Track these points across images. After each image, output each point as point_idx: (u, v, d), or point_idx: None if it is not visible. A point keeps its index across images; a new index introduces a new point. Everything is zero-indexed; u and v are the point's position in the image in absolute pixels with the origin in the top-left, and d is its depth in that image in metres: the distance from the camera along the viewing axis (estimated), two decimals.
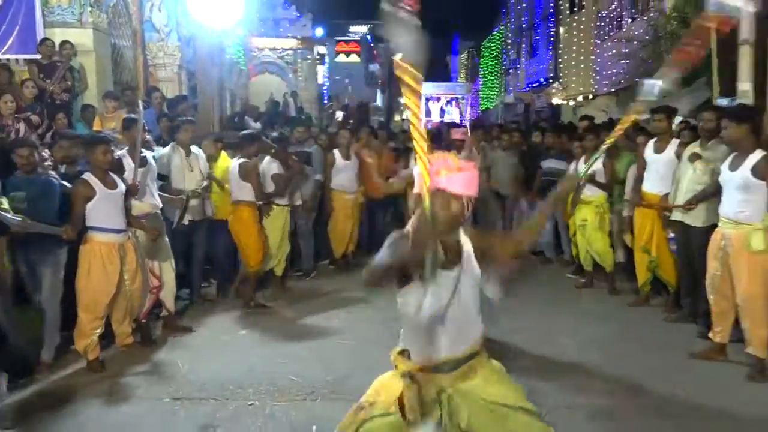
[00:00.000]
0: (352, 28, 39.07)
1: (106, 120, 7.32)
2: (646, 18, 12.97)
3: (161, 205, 5.31)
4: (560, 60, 20.68)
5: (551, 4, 21.89)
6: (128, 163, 5.00)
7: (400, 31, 2.02)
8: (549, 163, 7.73)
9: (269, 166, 6.48)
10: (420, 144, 2.08)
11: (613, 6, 16.05)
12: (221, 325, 5.58)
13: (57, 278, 4.54)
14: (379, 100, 37.05)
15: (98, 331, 4.51)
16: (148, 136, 5.89)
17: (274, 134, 7.36)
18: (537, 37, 24.46)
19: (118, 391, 4.17)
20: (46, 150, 5.26)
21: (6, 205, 4.18)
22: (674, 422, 3.74)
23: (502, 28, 31.21)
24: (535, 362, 4.60)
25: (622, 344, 5.08)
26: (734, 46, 7.40)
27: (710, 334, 4.66)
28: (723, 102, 7.33)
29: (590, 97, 17.32)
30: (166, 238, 5.28)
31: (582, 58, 18.41)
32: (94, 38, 8.63)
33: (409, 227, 2.36)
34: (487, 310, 2.47)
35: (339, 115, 18.29)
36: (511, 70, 29.06)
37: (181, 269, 5.81)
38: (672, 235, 5.51)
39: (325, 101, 24.01)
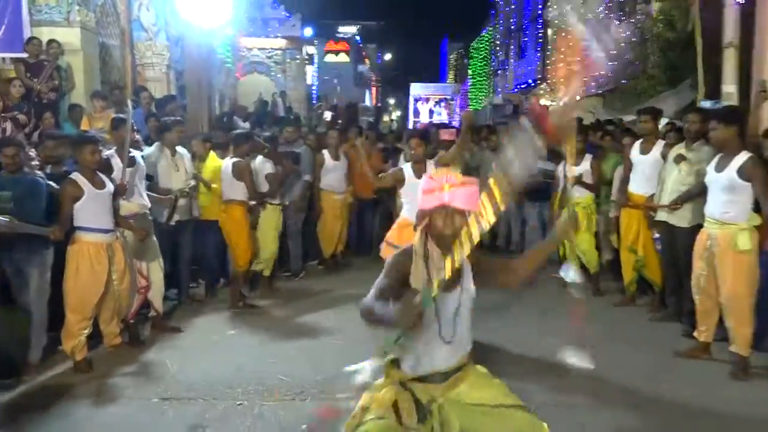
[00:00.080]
0: (341, 29, 39.10)
1: (94, 120, 7.29)
2: (632, 20, 13.09)
3: (149, 205, 5.30)
4: (548, 62, 20.80)
5: (539, 6, 22.02)
6: (116, 163, 4.98)
7: (520, 147, 2.12)
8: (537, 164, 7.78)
9: (263, 165, 6.50)
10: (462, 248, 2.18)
11: (601, 8, 16.16)
12: (210, 325, 5.58)
13: (44, 279, 4.51)
14: (367, 101, 37.09)
15: (86, 331, 4.49)
16: (138, 136, 5.87)
17: (266, 134, 7.37)
18: (525, 39, 24.61)
19: (106, 392, 4.15)
20: (33, 149, 5.23)
21: None
22: (660, 419, 3.79)
23: (490, 29, 31.36)
24: (521, 362, 4.64)
25: (609, 343, 5.12)
26: (719, 48, 7.51)
27: (695, 333, 4.72)
28: (707, 104, 7.43)
29: (578, 98, 17.41)
30: (154, 238, 5.26)
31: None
32: (81, 37, 8.57)
33: (408, 246, 2.41)
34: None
35: (327, 115, 18.28)
36: (499, 72, 29.18)
37: (168, 269, 5.79)
38: (657, 235, 5.58)
39: (314, 101, 23.98)
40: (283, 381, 4.25)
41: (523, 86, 23.92)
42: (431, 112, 37.02)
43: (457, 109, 36.61)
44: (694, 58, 8.27)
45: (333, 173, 7.52)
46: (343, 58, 37.53)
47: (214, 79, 10.60)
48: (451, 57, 47.84)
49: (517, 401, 2.43)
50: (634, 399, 4.06)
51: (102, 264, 4.50)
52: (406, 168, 5.11)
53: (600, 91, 14.84)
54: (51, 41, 7.92)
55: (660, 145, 5.64)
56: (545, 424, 2.38)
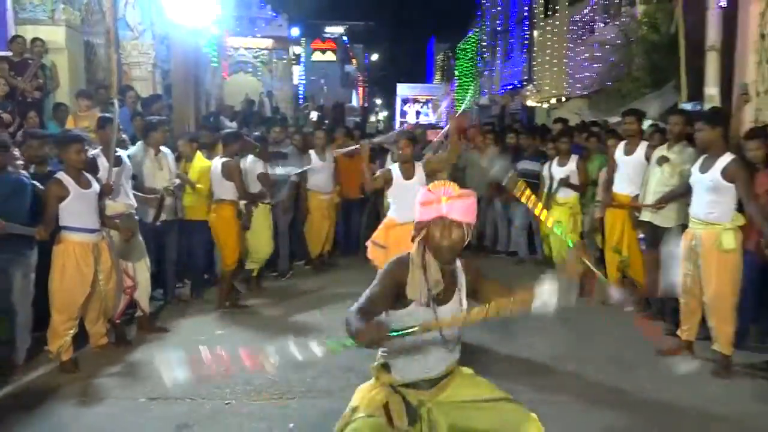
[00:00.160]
0: (328, 29, 39.05)
1: (80, 119, 7.22)
2: (617, 23, 13.21)
3: (135, 205, 5.28)
4: (534, 63, 20.93)
5: (526, 8, 22.15)
6: (102, 163, 4.96)
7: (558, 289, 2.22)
8: (523, 164, 7.85)
9: (254, 165, 6.50)
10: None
11: (586, 11, 16.31)
12: (197, 325, 5.57)
13: (27, 280, 4.48)
14: (354, 101, 37.07)
15: (72, 331, 4.47)
16: (124, 135, 5.84)
17: (256, 134, 7.37)
18: (511, 40, 24.72)
19: (92, 392, 4.13)
20: (17, 149, 5.18)
21: None
22: (645, 416, 3.84)
23: (477, 30, 31.45)
24: (506, 361, 4.68)
25: (592, 342, 5.19)
26: (702, 51, 7.60)
27: (678, 332, 4.79)
28: (687, 106, 7.53)
29: (563, 99, 17.57)
30: (140, 238, 5.24)
31: (555, 61, 18.66)
32: (66, 36, 8.50)
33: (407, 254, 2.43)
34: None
35: (314, 115, 18.26)
36: (486, 73, 29.29)
37: (154, 270, 5.77)
38: (642, 235, 5.65)
39: (301, 101, 23.95)
40: (270, 380, 4.26)
41: (509, 87, 24.04)
42: (418, 113, 37.08)
43: (444, 110, 36.72)
44: (678, 61, 8.37)
45: (320, 173, 7.53)
46: (330, 56, 37.46)
47: (200, 79, 10.56)
48: (437, 57, 47.98)
49: (505, 395, 2.47)
50: (619, 396, 4.12)
51: (88, 264, 4.48)
52: (394, 168, 5.13)
53: (585, 93, 14.98)
54: (35, 39, 7.85)
55: (644, 146, 5.71)
56: (534, 414, 2.42)
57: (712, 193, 4.37)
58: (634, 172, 5.68)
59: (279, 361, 4.58)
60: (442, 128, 9.99)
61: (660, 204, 5.16)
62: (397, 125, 30.82)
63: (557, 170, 6.65)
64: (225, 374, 4.28)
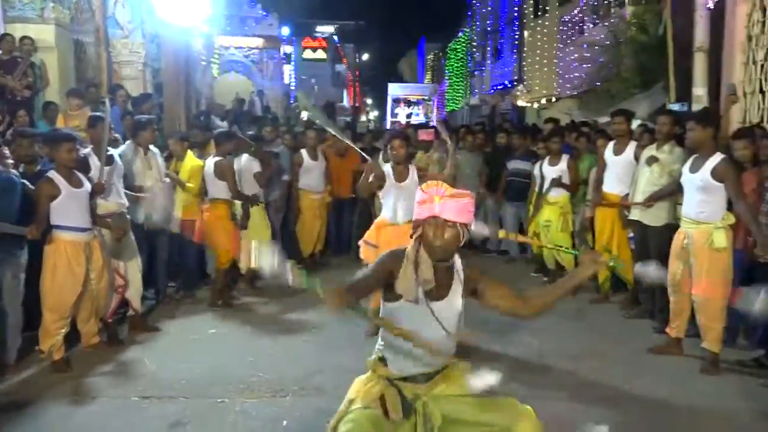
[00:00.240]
0: (319, 28, 38.95)
1: (70, 118, 7.19)
2: (606, 24, 13.30)
3: (127, 204, 5.26)
4: (524, 63, 21.01)
5: (516, 8, 22.23)
6: (94, 162, 4.94)
7: None
8: (514, 164, 7.90)
9: (250, 164, 6.51)
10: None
11: (576, 11, 16.40)
12: (189, 324, 5.56)
13: (17, 280, 4.45)
14: (345, 101, 37.04)
15: (63, 330, 4.45)
16: (116, 134, 5.82)
17: (251, 133, 7.38)
18: (502, 41, 24.80)
19: (84, 391, 4.12)
20: (6, 148, 5.15)
21: None
22: (635, 412, 3.88)
23: (467, 30, 31.52)
24: (498, 359, 4.71)
25: (584, 339, 5.24)
26: (690, 52, 7.68)
27: (667, 329, 4.85)
28: (674, 107, 7.61)
29: (553, 99, 17.67)
30: (132, 237, 5.23)
31: (545, 61, 18.76)
32: (56, 34, 8.46)
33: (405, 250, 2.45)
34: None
35: (305, 114, 18.25)
36: (476, 73, 29.37)
37: (145, 269, 5.75)
38: (632, 234, 5.71)
39: (292, 101, 23.91)
40: (263, 378, 4.27)
41: (499, 87, 24.12)
42: (408, 114, 37.09)
43: (435, 109, 36.78)
44: (667, 62, 8.45)
45: (311, 173, 7.53)
46: (321, 54, 37.35)
47: (191, 78, 10.51)
48: (428, 57, 48.01)
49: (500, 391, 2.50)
50: (609, 392, 4.17)
51: (80, 263, 4.47)
52: (387, 169, 5.12)
53: (575, 93, 15.07)
54: (24, 38, 7.80)
55: (633, 146, 5.76)
56: (529, 408, 2.45)
57: (702, 193, 4.42)
58: (624, 171, 5.73)
59: (272, 359, 4.63)
60: (433, 128, 10.03)
61: (649, 202, 5.20)
62: (388, 125, 30.83)
63: (548, 170, 6.70)
64: (218, 372, 4.35)
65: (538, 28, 19.59)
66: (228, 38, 19.84)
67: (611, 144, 5.97)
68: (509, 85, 22.71)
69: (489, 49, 26.77)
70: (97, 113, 5.34)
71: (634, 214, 5.46)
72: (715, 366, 4.48)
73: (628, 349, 4.96)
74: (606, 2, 14.15)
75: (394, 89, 38.24)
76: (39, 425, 3.69)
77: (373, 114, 46.07)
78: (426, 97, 38.10)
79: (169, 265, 6.22)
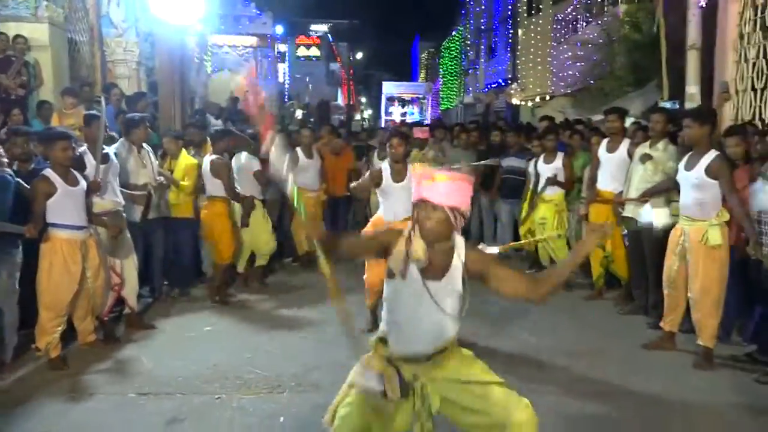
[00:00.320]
0: (313, 27, 38.94)
1: (65, 116, 7.19)
2: (600, 22, 13.36)
3: (123, 202, 5.27)
4: (518, 61, 21.06)
5: (509, 7, 22.28)
6: (89, 160, 4.94)
7: None
8: (509, 161, 7.93)
9: (250, 163, 6.52)
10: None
11: (569, 10, 16.46)
12: (185, 322, 5.57)
13: (13, 279, 4.46)
14: (339, 99, 37.04)
15: (60, 328, 4.46)
16: (113, 133, 5.82)
17: (250, 131, 7.38)
18: (496, 39, 24.85)
19: (81, 388, 4.13)
20: (0, 146, 5.14)
21: None
22: (630, 406, 3.92)
23: (461, 29, 31.56)
24: (494, 354, 4.73)
25: (579, 335, 5.28)
26: (683, 50, 7.73)
27: (661, 323, 4.89)
28: (666, 105, 7.66)
29: (547, 98, 17.73)
30: (128, 235, 5.24)
31: (539, 60, 18.81)
32: (49, 33, 8.43)
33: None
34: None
35: (299, 113, 18.27)
36: (470, 71, 29.41)
37: (141, 267, 5.76)
38: (626, 231, 5.75)
39: (286, 99, 23.91)
40: (260, 375, 4.29)
41: (493, 86, 24.16)
42: (403, 112, 37.15)
43: (430, 108, 36.85)
44: (659, 60, 8.50)
45: (306, 171, 7.54)
46: (315, 52, 37.33)
47: (186, 76, 10.49)
48: (422, 56, 48.05)
49: (499, 380, 2.54)
50: (604, 387, 4.20)
51: (76, 261, 4.47)
52: (385, 167, 5.11)
53: (569, 91, 15.13)
54: (17, 36, 7.78)
55: (626, 143, 5.80)
56: (526, 400, 2.48)
57: (697, 190, 4.45)
58: (617, 168, 5.77)
59: (268, 356, 4.65)
60: (428, 126, 10.07)
61: (644, 197, 5.23)
62: (383, 123, 30.86)
63: (544, 167, 6.73)
64: (215, 369, 4.36)
65: (532, 27, 19.64)
66: (221, 37, 19.79)
67: (605, 141, 6.01)
68: (503, 84, 22.76)
69: (483, 47, 26.81)
70: (93, 112, 5.34)
71: (628, 211, 5.50)
72: (708, 361, 4.52)
73: (622, 345, 5.00)
74: (599, 1, 14.21)
75: (389, 88, 38.29)
76: (36, 421, 3.69)
77: (368, 113, 46.08)
78: (420, 96, 38.15)
79: (164, 263, 6.23)
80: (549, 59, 17.78)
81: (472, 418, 2.50)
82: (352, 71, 39.00)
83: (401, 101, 37.45)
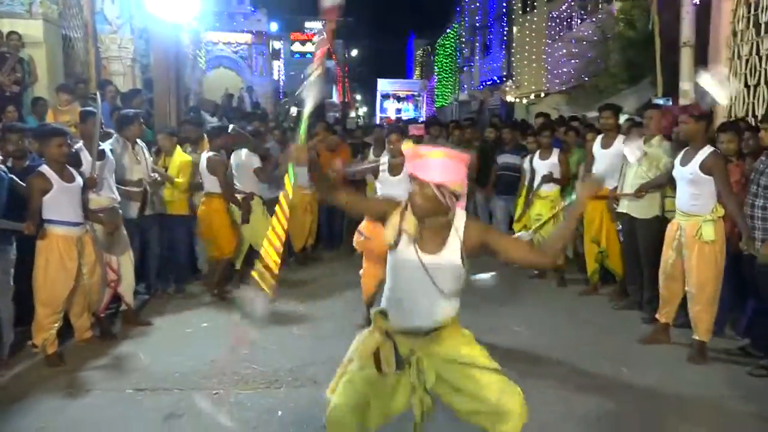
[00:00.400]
0: (308, 24, 38.84)
1: (60, 113, 7.17)
2: (594, 20, 13.40)
3: (119, 199, 5.26)
4: (513, 59, 21.10)
5: (504, 4, 22.31)
6: (85, 157, 4.94)
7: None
8: (504, 158, 7.95)
9: (250, 160, 6.53)
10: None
11: (564, 7, 16.50)
12: (182, 318, 5.57)
13: (8, 275, 4.45)
14: (334, 97, 37.00)
15: (56, 325, 4.46)
16: (109, 129, 5.81)
17: (250, 128, 7.40)
18: (490, 36, 24.90)
19: (78, 384, 4.13)
20: None
21: None
22: (626, 400, 3.94)
23: (456, 26, 31.58)
24: (490, 349, 4.71)
25: (574, 330, 5.31)
26: (676, 47, 7.77)
27: (656, 315, 4.93)
28: (660, 101, 7.70)
29: (542, 95, 17.77)
30: (124, 232, 5.23)
31: (534, 57, 18.85)
32: (44, 29, 8.40)
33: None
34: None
35: (294, 110, 18.26)
36: (465, 68, 29.44)
37: (137, 264, 5.76)
38: (620, 227, 5.78)
39: (281, 96, 23.87)
40: (257, 370, 4.30)
41: (488, 83, 24.20)
42: (398, 110, 37.15)
43: (425, 105, 36.87)
44: (654, 57, 8.55)
45: (302, 168, 7.53)
46: (310, 48, 37.23)
47: (181, 73, 10.47)
48: (417, 53, 48.07)
49: (496, 366, 2.56)
50: (599, 381, 4.23)
51: (72, 258, 4.47)
52: (384, 159, 5.17)
53: (564, 88, 15.17)
54: (12, 33, 7.76)
55: (620, 140, 5.83)
56: (519, 389, 2.51)
57: (692, 186, 4.49)
58: (611, 164, 5.80)
59: (265, 352, 4.66)
60: (423, 123, 10.09)
61: (640, 192, 5.26)
62: (378, 120, 30.86)
63: (539, 164, 6.75)
64: (212, 364, 4.37)
65: (527, 24, 19.68)
66: (216, 34, 19.78)
67: (599, 138, 6.03)
68: (498, 81, 22.80)
69: (478, 44, 26.85)
70: (89, 108, 5.32)
71: (623, 207, 5.53)
72: (702, 355, 4.56)
73: (617, 340, 5.03)
74: None
75: (384, 85, 38.28)
76: (33, 419, 3.68)
77: (363, 110, 46.07)
78: (415, 93, 38.17)
79: (160, 259, 6.23)
80: (544, 56, 17.82)
81: (463, 401, 2.53)
82: (347, 68, 38.94)
83: (396, 98, 37.44)
